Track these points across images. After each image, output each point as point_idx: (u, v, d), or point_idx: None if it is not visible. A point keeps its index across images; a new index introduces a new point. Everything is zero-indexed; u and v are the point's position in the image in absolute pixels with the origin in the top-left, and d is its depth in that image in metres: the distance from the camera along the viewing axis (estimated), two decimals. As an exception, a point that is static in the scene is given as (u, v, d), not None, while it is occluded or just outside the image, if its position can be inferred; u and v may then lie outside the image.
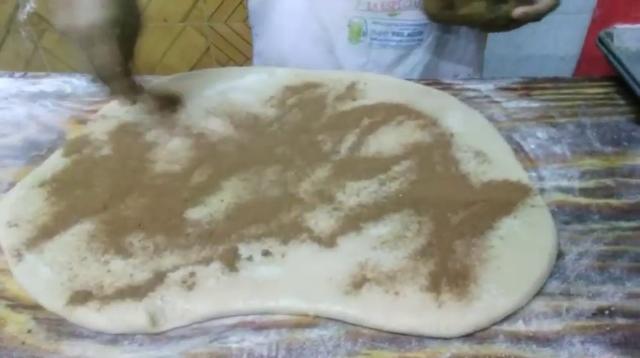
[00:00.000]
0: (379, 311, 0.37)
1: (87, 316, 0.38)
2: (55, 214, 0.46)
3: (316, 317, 0.38)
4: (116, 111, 0.60)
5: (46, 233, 0.44)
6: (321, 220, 0.45)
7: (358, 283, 0.39)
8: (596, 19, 1.25)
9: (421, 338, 0.37)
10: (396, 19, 0.67)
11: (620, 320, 0.37)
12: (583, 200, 0.47)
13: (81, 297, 0.38)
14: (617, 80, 0.61)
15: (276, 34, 0.74)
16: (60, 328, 0.38)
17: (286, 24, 0.73)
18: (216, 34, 1.43)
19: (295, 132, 0.55)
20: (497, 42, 1.33)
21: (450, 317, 0.37)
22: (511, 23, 0.58)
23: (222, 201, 0.47)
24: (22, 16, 1.39)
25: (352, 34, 0.69)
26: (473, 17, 0.58)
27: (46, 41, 1.46)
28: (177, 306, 0.38)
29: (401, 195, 0.47)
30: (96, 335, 0.38)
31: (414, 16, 0.66)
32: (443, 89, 0.62)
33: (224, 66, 1.20)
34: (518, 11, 0.55)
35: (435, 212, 0.44)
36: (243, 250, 0.42)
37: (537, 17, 0.56)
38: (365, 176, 0.49)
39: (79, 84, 0.68)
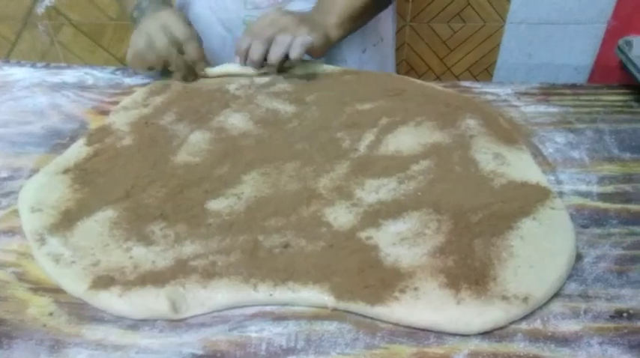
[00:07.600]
0: (398, 305, 0.38)
1: (109, 301, 0.38)
2: (78, 201, 0.46)
3: (335, 310, 0.39)
4: (137, 103, 0.61)
5: (69, 219, 0.44)
6: (341, 215, 0.45)
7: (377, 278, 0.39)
8: (611, 29, 1.24)
9: (440, 334, 0.37)
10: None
11: (639, 323, 0.37)
12: (601, 204, 0.47)
13: (103, 282, 0.39)
14: (635, 88, 0.61)
15: None
16: (81, 312, 0.38)
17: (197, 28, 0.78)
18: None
19: (314, 129, 0.56)
20: (509, 50, 1.33)
21: (469, 313, 0.37)
22: None
23: (242, 193, 0.47)
24: (40, 9, 1.41)
25: None
26: None
27: (62, 36, 1.47)
28: (198, 294, 0.38)
29: (420, 194, 0.47)
30: (117, 320, 0.38)
31: (301, 5, 0.70)
32: (461, 92, 0.62)
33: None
34: None
35: (455, 211, 0.44)
36: (264, 242, 0.42)
37: None
38: (384, 174, 0.49)
39: (100, 76, 0.69)
